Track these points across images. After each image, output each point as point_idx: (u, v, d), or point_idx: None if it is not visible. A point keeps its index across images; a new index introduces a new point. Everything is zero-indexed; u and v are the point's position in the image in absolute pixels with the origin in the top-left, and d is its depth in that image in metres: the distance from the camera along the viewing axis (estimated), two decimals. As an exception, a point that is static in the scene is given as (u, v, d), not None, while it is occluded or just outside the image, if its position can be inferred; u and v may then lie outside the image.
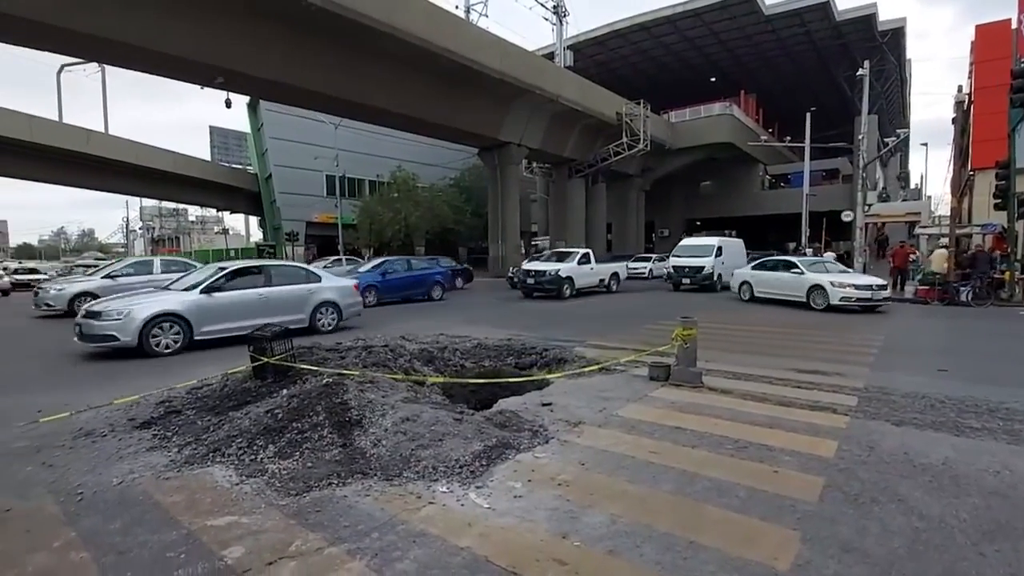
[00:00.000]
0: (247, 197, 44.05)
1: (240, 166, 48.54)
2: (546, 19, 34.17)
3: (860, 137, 22.01)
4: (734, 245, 20.96)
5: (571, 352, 7.03)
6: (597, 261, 18.92)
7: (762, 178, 41.57)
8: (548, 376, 5.85)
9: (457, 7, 35.65)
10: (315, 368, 4.91)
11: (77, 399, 5.02)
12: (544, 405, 4.76)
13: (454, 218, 35.06)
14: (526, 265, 18.07)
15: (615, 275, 18.96)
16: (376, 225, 34.28)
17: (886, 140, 23.52)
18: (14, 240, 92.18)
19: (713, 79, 36.80)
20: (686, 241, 20.88)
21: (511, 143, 26.76)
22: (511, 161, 27.75)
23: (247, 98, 37.13)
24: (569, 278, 16.54)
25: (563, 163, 31.95)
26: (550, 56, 32.47)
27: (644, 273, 26.42)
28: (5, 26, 13.48)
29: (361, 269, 16.12)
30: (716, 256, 18.64)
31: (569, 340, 8.22)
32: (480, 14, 35.85)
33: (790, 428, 4.12)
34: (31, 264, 34.27)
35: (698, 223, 42.70)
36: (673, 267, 19.28)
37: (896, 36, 31.46)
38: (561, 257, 17.82)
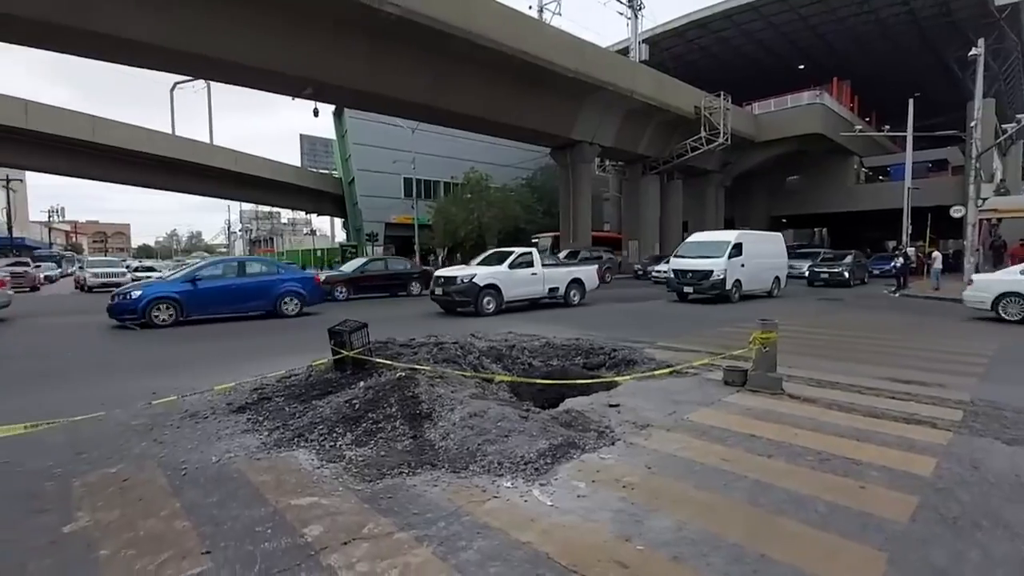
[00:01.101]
0: (333, 200, 46.68)
1: (327, 171, 51.55)
2: (620, 13, 33.59)
3: (973, 124, 19.78)
4: (767, 242, 17.11)
5: (641, 353, 6.89)
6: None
7: (857, 171, 38.32)
8: (616, 377, 5.77)
9: (531, 7, 35.91)
10: (389, 362, 5.14)
11: (186, 383, 5.58)
12: (611, 406, 4.71)
13: (526, 217, 35.30)
14: (439, 271, 13.70)
15: (576, 282, 14.34)
16: (450, 225, 35.23)
17: (1005, 127, 20.87)
18: (135, 241, 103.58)
19: (802, 67, 34.47)
20: (694, 237, 17.08)
21: (583, 142, 26.51)
22: (583, 160, 27.51)
23: (333, 107, 39.34)
24: (491, 287, 12.28)
25: (637, 160, 31.22)
26: (624, 51, 31.84)
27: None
28: (143, 53, 15.22)
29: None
30: (732, 256, 14.66)
31: (639, 341, 8.05)
32: (553, 13, 35.85)
33: (881, 442, 3.81)
34: (149, 263, 38.71)
35: (783, 220, 40.18)
36: (673, 271, 15.45)
37: (1016, 11, 27.92)
38: (501, 258, 13.47)
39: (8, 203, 42.20)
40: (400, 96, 19.72)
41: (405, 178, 39.02)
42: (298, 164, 53.46)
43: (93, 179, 36.23)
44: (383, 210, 40.55)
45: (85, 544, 2.56)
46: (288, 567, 2.32)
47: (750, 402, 4.81)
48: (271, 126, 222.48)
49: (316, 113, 26.97)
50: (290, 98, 23.23)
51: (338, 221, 54.57)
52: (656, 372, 5.86)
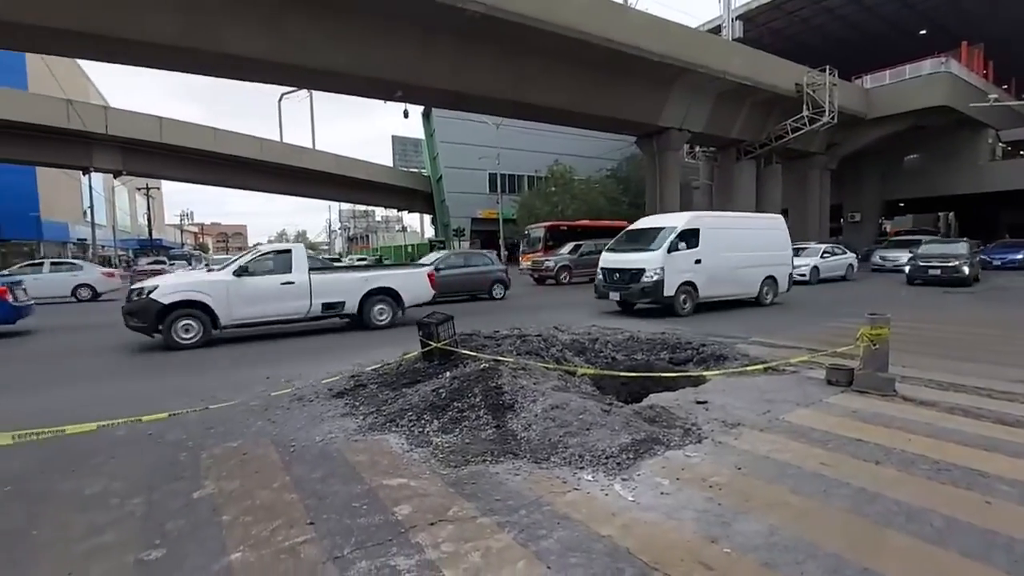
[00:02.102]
0: (422, 198, 48.67)
1: (416, 170, 53.82)
2: (712, -9, 31.74)
3: None
4: (750, 228, 12.17)
5: (732, 349, 6.56)
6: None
7: (992, 146, 33.50)
8: (705, 373, 5.55)
9: (614, -7, 34.97)
10: (474, 354, 5.30)
11: (294, 370, 6.12)
12: (699, 403, 4.54)
13: (610, 209, 34.69)
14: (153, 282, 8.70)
15: (381, 295, 9.63)
16: (533, 219, 35.43)
17: None
18: (250, 241, 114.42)
19: (923, 32, 30.75)
20: (639, 223, 12.59)
21: (671, 128, 25.47)
22: (671, 147, 26.44)
23: (422, 108, 40.91)
24: (192, 304, 8.10)
25: (730, 145, 29.48)
26: (716, 30, 30.15)
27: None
28: (256, 68, 16.77)
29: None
30: (675, 249, 10.38)
31: (731, 336, 7.66)
32: (638, -4, 34.64)
33: (1014, 452, 3.36)
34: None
35: (901, 204, 36.24)
36: (601, 270, 11.63)
37: None
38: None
39: (149, 208, 48.26)
40: (484, 93, 20.08)
41: (490, 174, 39.79)
42: (390, 164, 56.24)
43: (215, 185, 40.44)
44: (469, 206, 41.63)
45: (211, 508, 2.90)
46: (381, 542, 2.49)
47: (856, 404, 4.42)
48: (366, 130, 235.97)
49: (406, 115, 28.28)
50: (382, 102, 24.47)
51: (427, 217, 56.83)
52: (749, 368, 5.56)
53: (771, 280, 12.12)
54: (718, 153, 31.37)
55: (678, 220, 11.17)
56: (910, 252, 19.63)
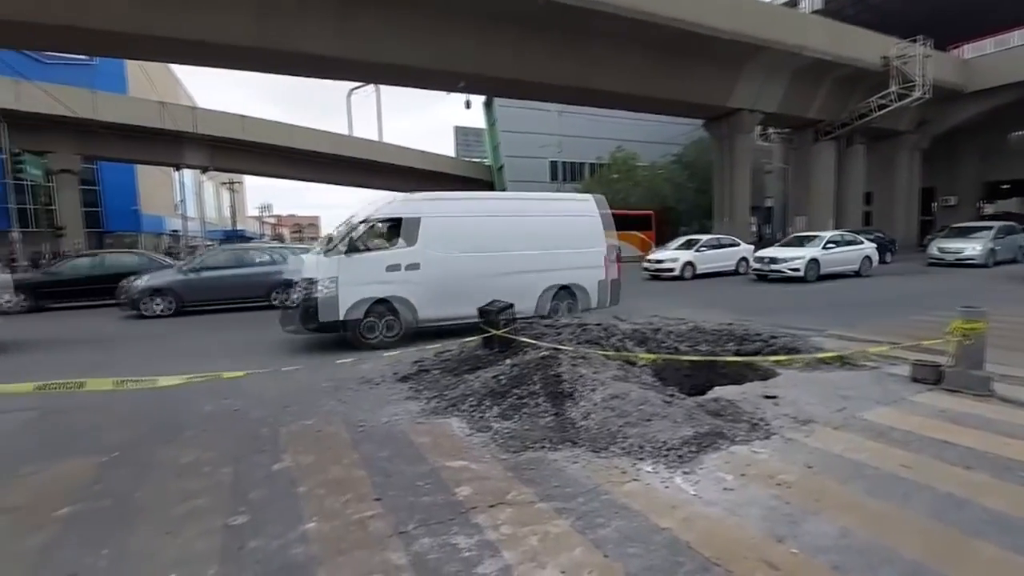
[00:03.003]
0: (484, 187, 49.01)
1: (478, 160, 54.38)
2: (789, -40, 29.73)
3: None
4: (539, 216, 8.68)
5: (806, 342, 6.21)
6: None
7: (1123, 117, 29.44)
8: (775, 366, 5.30)
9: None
10: (533, 342, 5.34)
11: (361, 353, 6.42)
12: (767, 397, 4.36)
13: (675, 196, 33.59)
14: None
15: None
16: (595, 207, 34.95)
17: None
18: (323, 231, 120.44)
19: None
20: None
21: (742, 110, 24.21)
22: (742, 130, 25.15)
23: (483, 98, 41.18)
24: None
25: (807, 126, 27.63)
26: (793, 3, 28.24)
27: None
28: (329, 66, 17.52)
29: None
30: (353, 251, 7.19)
31: (805, 328, 7.26)
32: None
33: None
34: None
35: (1005, 185, 32.64)
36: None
37: None
38: None
39: (232, 202, 51.71)
40: (546, 80, 19.92)
41: (551, 162, 39.55)
42: (452, 155, 57.10)
43: (291, 179, 42.68)
44: (530, 195, 41.58)
45: (289, 480, 3.13)
46: (442, 520, 2.59)
47: (945, 403, 4.09)
48: (429, 122, 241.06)
49: (468, 105, 28.48)
50: (445, 93, 24.86)
51: (488, 207, 57.30)
52: (822, 358, 5.26)
53: (567, 292, 8.66)
54: (794, 135, 29.50)
55: (375, 208, 7.90)
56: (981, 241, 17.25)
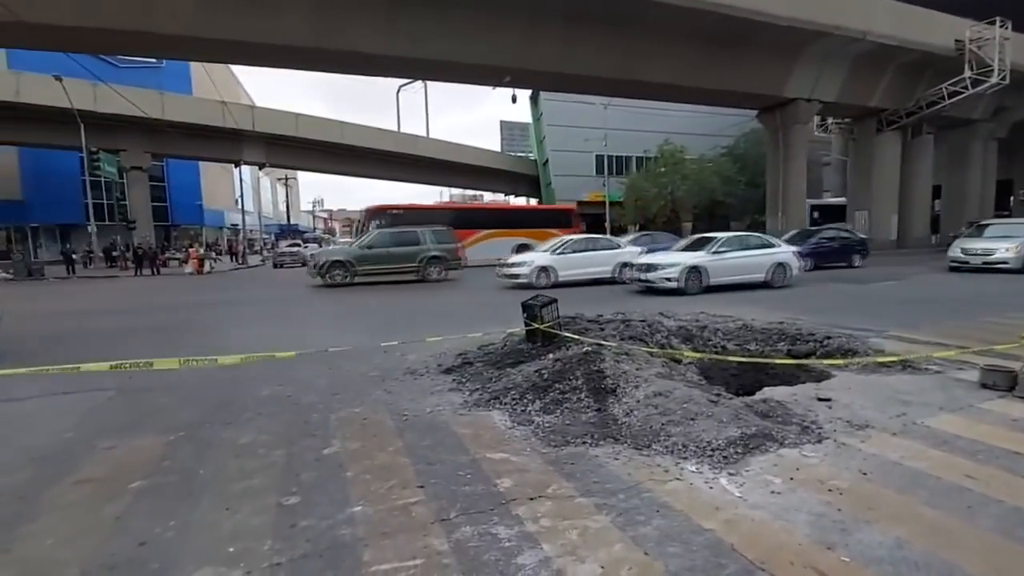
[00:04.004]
0: (529, 181, 49.13)
1: (523, 154, 54.38)
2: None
3: None
4: None
5: (864, 343, 5.92)
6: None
7: None
8: (829, 367, 5.09)
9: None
10: (577, 337, 5.33)
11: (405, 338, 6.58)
12: (820, 400, 4.19)
13: (724, 190, 32.55)
14: None
15: None
16: (641, 201, 34.30)
17: None
18: (372, 226, 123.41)
19: None
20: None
21: (798, 99, 23.20)
22: (797, 120, 24.10)
23: (529, 92, 41.05)
24: None
25: (868, 115, 26.20)
26: (857, -15, 26.68)
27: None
28: (379, 64, 17.93)
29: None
30: None
31: (863, 329, 6.92)
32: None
33: None
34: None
35: (1098, 178, 29.97)
36: None
37: None
38: None
39: (287, 197, 53.79)
40: (592, 73, 19.72)
41: (597, 155, 39.12)
42: (498, 150, 57.30)
43: (342, 174, 43.97)
44: (575, 189, 41.30)
45: (337, 464, 3.26)
46: (483, 510, 2.64)
47: (1018, 411, 3.82)
48: (476, 117, 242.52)
49: (514, 99, 28.54)
50: (491, 88, 25.04)
51: (534, 201, 57.32)
52: (882, 361, 5.01)
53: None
54: (854, 125, 28.02)
55: None
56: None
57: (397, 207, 24.07)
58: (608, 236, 16.96)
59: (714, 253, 12.13)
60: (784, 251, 13.02)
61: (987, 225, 16.45)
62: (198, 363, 3.98)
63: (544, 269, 13.92)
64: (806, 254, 15.80)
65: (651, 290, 12.04)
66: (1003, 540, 2.33)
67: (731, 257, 12.23)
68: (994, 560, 2.19)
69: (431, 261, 16.67)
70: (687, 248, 12.95)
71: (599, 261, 14.64)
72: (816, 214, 28.14)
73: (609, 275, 14.44)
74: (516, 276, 13.93)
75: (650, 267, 12.09)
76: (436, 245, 16.97)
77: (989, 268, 14.35)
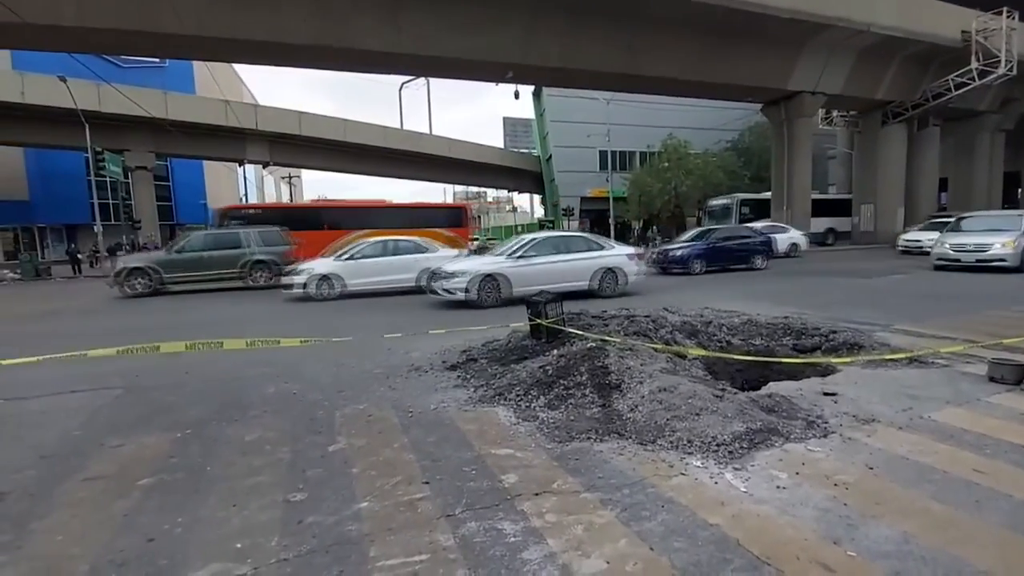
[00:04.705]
0: (532, 178, 49.08)
1: (526, 150, 54.29)
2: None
3: None
4: None
5: (870, 337, 5.90)
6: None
7: None
8: (834, 361, 5.07)
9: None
10: (581, 333, 5.33)
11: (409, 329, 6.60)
12: (826, 394, 4.18)
13: (729, 184, 32.42)
14: None
15: None
16: (645, 197, 34.20)
17: None
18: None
19: None
20: None
21: (803, 92, 23.07)
22: (802, 113, 23.97)
23: (532, 88, 40.97)
24: None
25: (874, 108, 26.03)
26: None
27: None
28: (382, 61, 17.93)
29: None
30: None
31: (869, 323, 6.90)
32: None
33: None
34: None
35: (1108, 170, 29.65)
36: None
37: None
38: None
39: (291, 195, 53.89)
40: (594, 68, 19.66)
41: (600, 151, 39.00)
42: (501, 146, 57.22)
43: (346, 172, 44.01)
44: (579, 185, 41.25)
45: (343, 461, 3.27)
46: (488, 506, 2.65)
47: (1027, 405, 3.80)
48: (479, 113, 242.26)
49: (517, 95, 28.62)
50: (494, 85, 24.94)
51: (537, 197, 57.25)
52: (889, 358, 4.98)
53: None
54: (860, 117, 27.84)
55: None
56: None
57: (252, 206, 22.07)
58: (415, 238, 13.93)
59: (518, 258, 10.35)
60: (615, 254, 11.21)
61: (974, 218, 15.13)
62: (205, 347, 4.11)
63: (326, 278, 12.07)
64: (697, 255, 15.55)
65: (457, 302, 10.13)
66: (1012, 535, 2.32)
67: (541, 263, 10.38)
68: (1004, 555, 2.18)
69: (256, 266, 14.85)
70: (501, 253, 11.04)
71: (399, 267, 12.74)
72: (746, 209, 26.70)
73: (414, 283, 12.43)
74: (288, 286, 12.22)
75: (450, 275, 10.17)
76: (262, 248, 15.20)
77: (984, 267, 13.02)
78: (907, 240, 19.91)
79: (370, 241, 13.36)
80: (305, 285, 11.96)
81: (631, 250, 11.76)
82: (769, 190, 26.84)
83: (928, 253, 17.59)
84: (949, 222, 19.14)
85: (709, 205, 28.70)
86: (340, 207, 25.47)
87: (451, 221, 23.55)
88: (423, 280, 11.70)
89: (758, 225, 21.28)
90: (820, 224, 27.23)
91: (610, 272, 10.94)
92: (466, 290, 9.83)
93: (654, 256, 16.17)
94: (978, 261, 13.14)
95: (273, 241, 15.66)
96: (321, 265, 12.44)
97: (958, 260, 13.52)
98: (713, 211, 27.87)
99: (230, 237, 15.41)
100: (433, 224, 22.26)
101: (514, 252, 10.54)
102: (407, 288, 12.52)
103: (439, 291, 10.18)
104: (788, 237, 21.22)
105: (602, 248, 11.26)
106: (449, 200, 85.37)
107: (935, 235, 18.32)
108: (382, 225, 21.02)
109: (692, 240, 16.62)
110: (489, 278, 10.02)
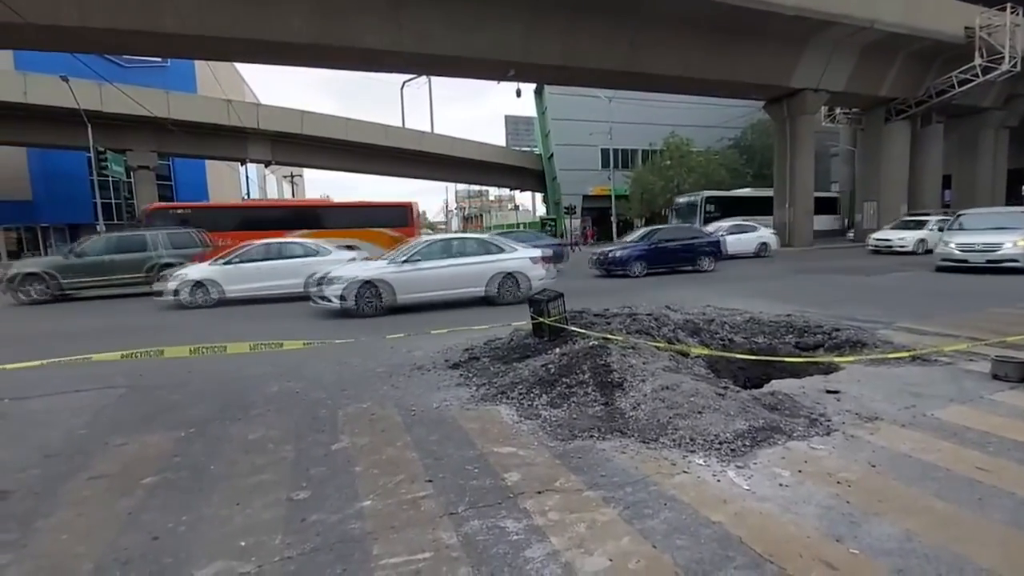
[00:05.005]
0: (534, 176, 48.98)
1: (528, 149, 54.24)
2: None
3: None
4: None
5: (873, 335, 5.89)
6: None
7: None
8: (837, 359, 5.06)
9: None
10: (583, 331, 5.33)
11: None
12: (829, 392, 4.18)
13: (731, 182, 32.36)
14: None
15: None
16: (647, 195, 34.17)
17: None
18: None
19: None
20: None
21: (806, 90, 22.99)
22: (805, 111, 23.89)
23: (534, 86, 40.92)
24: None
25: (877, 105, 25.92)
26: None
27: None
28: (383, 59, 17.92)
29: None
30: None
31: (872, 321, 6.89)
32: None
33: None
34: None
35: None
36: None
37: None
38: None
39: (293, 194, 53.94)
40: (596, 66, 19.63)
41: (602, 149, 38.96)
42: (503, 144, 57.19)
43: (348, 171, 43.99)
44: (581, 183, 41.20)
45: (346, 459, 3.28)
46: (491, 504, 2.65)
47: (1031, 403, 3.79)
48: (480, 111, 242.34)
49: (519, 93, 28.61)
50: (496, 83, 24.89)
51: (539, 196, 57.20)
52: (892, 356, 4.97)
53: None
54: (863, 115, 27.74)
55: None
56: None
57: (180, 206, 20.75)
58: (304, 240, 13.15)
59: (404, 263, 9.67)
60: (516, 257, 10.38)
61: (965, 215, 14.30)
62: (209, 351, 4.10)
63: (200, 284, 11.30)
64: (637, 257, 14.88)
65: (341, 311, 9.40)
66: (1015, 532, 2.31)
67: (429, 268, 9.72)
68: (1007, 552, 2.18)
69: (164, 269, 13.49)
70: (389, 257, 10.25)
71: (285, 272, 11.76)
72: (711, 207, 25.89)
73: (303, 289, 11.27)
74: (170, 293, 11.29)
75: (329, 281, 9.47)
76: (171, 251, 14.13)
77: (995, 268, 12.11)
78: (877, 239, 19.67)
79: (254, 244, 12.45)
80: (177, 292, 11.16)
81: (535, 253, 10.82)
82: (756, 186, 26.73)
83: (898, 252, 17.78)
84: (924, 221, 19.14)
85: (675, 203, 28.15)
86: (277, 207, 24.51)
87: (396, 221, 22.20)
88: (312, 286, 10.40)
89: (725, 224, 20.77)
90: None
91: (510, 277, 10.21)
92: (342, 297, 9.11)
93: (595, 257, 15.64)
94: (988, 262, 12.26)
95: (184, 243, 14.58)
96: (195, 270, 11.63)
97: (965, 261, 12.64)
98: (679, 209, 27.15)
99: (135, 239, 14.54)
100: (377, 224, 21.43)
101: (399, 257, 9.88)
102: (296, 294, 11.45)
103: (315, 299, 9.52)
104: (757, 236, 20.52)
105: (502, 251, 10.45)
106: (451, 199, 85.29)
107: (905, 234, 18.65)
108: (322, 226, 20.38)
109: (635, 241, 15.83)
110: (369, 285, 9.32)
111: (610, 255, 15.24)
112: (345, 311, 9.26)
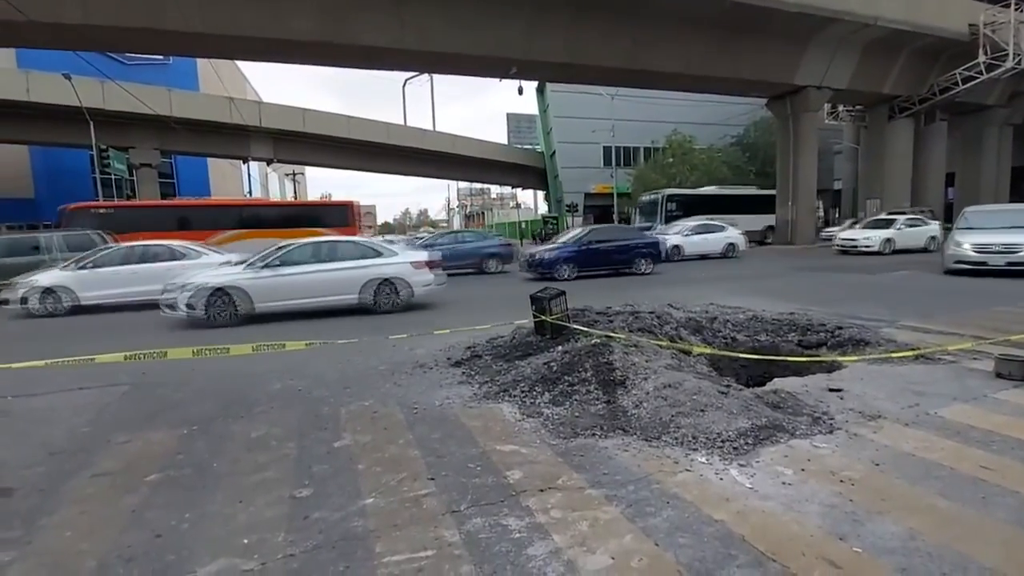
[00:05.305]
0: (536, 174, 48.94)
1: (530, 146, 54.16)
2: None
3: None
4: None
5: (876, 333, 5.88)
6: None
7: None
8: (840, 358, 5.05)
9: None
10: (586, 329, 5.32)
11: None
12: (832, 391, 4.17)
13: (734, 179, 32.28)
14: None
15: None
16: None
17: None
18: (379, 219, 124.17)
19: None
20: None
21: (808, 87, 22.90)
22: (808, 108, 23.80)
23: (536, 83, 40.84)
24: None
25: (881, 102, 25.81)
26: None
27: None
28: (386, 57, 17.90)
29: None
30: None
31: (875, 319, 6.87)
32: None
33: None
34: (391, 236, 46.06)
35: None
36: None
37: None
38: None
39: (295, 192, 53.97)
40: (598, 63, 19.58)
41: (604, 147, 38.93)
42: (504, 142, 57.11)
43: (350, 169, 43.99)
44: (583, 180, 41.15)
45: (348, 457, 3.29)
46: (493, 502, 2.66)
47: (1035, 402, 3.77)
48: (482, 109, 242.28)
49: (520, 91, 28.47)
50: (498, 80, 24.84)
51: (540, 194, 57.14)
52: (895, 355, 4.96)
53: None
54: (866, 112, 27.63)
55: None
56: None
57: (102, 206, 19.42)
58: (172, 243, 11.95)
59: (263, 268, 8.84)
60: (395, 262, 9.53)
61: (973, 213, 13.17)
62: (211, 353, 4.11)
63: (50, 291, 10.39)
64: (565, 259, 14.01)
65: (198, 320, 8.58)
66: (1018, 531, 2.31)
67: (292, 273, 8.89)
68: (1010, 552, 2.17)
69: None
70: (249, 262, 9.30)
71: (147, 277, 10.66)
72: (672, 205, 24.78)
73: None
74: (17, 301, 10.37)
75: (180, 288, 8.67)
76: (66, 253, 12.90)
77: (1017, 271, 10.98)
78: (843, 239, 19.35)
79: (116, 247, 11.73)
80: (24, 300, 10.23)
81: (418, 256, 10.07)
82: (759, 184, 26.62)
83: (864, 252, 17.63)
84: (894, 220, 18.77)
85: (639, 201, 27.33)
86: (209, 206, 23.76)
87: (336, 220, 21.37)
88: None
89: (690, 223, 20.20)
90: (759, 222, 26.24)
91: (388, 283, 9.36)
92: (190, 306, 8.36)
93: (525, 259, 14.88)
94: (1009, 264, 11.12)
95: (82, 245, 13.29)
96: (46, 276, 10.69)
97: (984, 264, 11.39)
98: (643, 207, 26.37)
99: (27, 241, 13.66)
100: (317, 223, 20.40)
101: (259, 262, 9.03)
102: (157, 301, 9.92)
103: (163, 307, 8.66)
104: (724, 236, 19.79)
105: (379, 255, 9.57)
106: (453, 197, 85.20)
107: (871, 234, 18.39)
108: (257, 225, 19.90)
109: (566, 242, 14.90)
110: (221, 292, 8.53)
111: (537, 256, 14.45)
112: (194, 321, 8.52)
